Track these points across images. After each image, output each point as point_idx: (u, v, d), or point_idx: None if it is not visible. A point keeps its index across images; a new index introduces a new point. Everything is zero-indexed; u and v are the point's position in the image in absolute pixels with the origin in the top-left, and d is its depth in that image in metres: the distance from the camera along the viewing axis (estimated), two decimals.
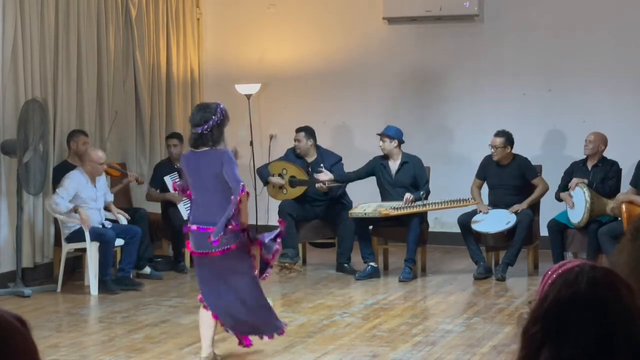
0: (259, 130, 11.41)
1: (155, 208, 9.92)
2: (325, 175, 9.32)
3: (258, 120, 11.39)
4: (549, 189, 9.21)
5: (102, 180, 8.94)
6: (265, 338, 6.18)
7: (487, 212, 9.14)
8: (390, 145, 9.30)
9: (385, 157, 9.42)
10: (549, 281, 1.87)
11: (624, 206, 8.34)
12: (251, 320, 6.07)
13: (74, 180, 8.59)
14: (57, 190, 8.58)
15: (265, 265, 6.06)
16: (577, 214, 8.77)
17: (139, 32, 10.40)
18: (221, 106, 5.97)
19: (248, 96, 11.16)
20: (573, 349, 1.76)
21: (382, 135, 9.37)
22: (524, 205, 9.08)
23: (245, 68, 11.53)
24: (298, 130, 9.77)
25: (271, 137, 11.51)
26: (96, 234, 8.54)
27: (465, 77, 10.74)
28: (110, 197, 9.08)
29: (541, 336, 1.79)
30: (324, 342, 6.70)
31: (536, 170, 9.29)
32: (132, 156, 10.34)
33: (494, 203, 9.24)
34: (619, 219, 8.42)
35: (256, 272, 5.99)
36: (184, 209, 9.61)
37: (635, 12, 10.13)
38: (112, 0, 9.99)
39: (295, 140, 9.81)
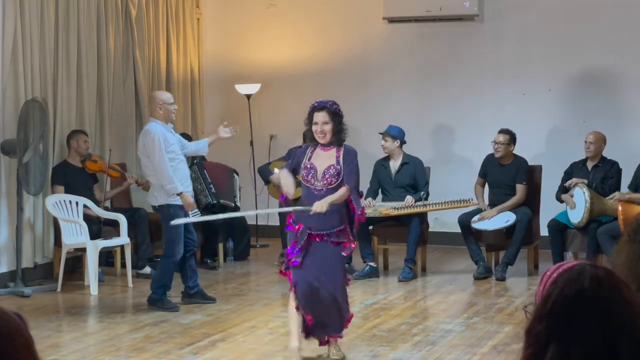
0: (259, 130, 11.41)
1: None
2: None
3: (258, 120, 11.39)
4: (524, 201, 9.14)
5: (176, 135, 8.00)
6: None
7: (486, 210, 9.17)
8: (392, 144, 9.31)
9: (387, 157, 9.44)
10: (550, 280, 1.87)
11: (619, 206, 8.33)
12: None
13: (157, 133, 7.62)
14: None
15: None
16: (577, 214, 8.76)
17: (139, 32, 10.40)
18: None
19: (248, 96, 11.17)
20: (579, 346, 1.76)
21: (384, 135, 9.38)
22: (493, 212, 9.08)
23: (245, 68, 11.53)
24: None
25: (271, 137, 11.51)
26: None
27: (465, 77, 10.74)
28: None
29: (547, 334, 1.79)
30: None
31: (525, 177, 9.19)
32: (132, 156, 10.32)
33: (494, 203, 9.23)
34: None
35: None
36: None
37: (634, 11, 10.13)
38: (112, 0, 10.00)
39: None
